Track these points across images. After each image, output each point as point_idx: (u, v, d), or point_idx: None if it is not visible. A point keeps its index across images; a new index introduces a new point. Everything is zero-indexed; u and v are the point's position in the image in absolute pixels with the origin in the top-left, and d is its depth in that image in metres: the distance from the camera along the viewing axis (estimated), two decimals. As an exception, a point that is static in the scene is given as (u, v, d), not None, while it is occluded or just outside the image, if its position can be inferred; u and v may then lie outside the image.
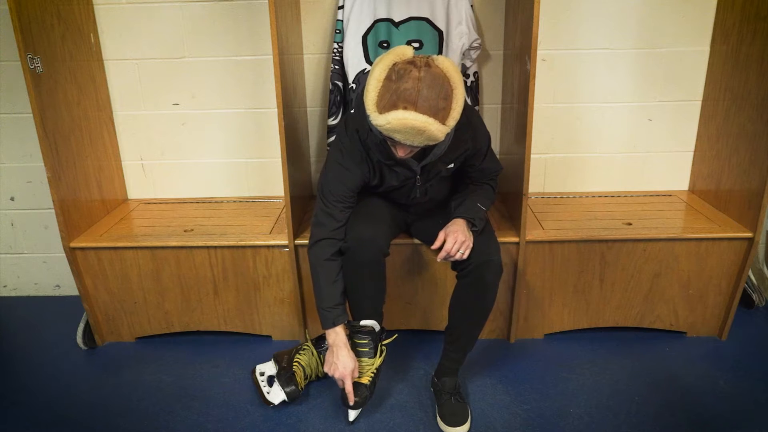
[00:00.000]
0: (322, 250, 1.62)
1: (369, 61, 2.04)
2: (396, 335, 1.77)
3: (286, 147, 1.80)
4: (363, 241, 1.59)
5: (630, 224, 1.98)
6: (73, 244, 1.94)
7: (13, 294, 2.53)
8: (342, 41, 2.05)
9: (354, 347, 1.67)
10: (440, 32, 2.02)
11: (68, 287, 2.48)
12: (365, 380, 1.64)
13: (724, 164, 2.04)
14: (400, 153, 1.46)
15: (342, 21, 2.03)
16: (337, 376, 1.60)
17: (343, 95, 2.09)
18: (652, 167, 2.29)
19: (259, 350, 2.03)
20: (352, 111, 1.66)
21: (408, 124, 1.31)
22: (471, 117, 1.62)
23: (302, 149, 2.15)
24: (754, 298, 2.22)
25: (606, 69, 2.15)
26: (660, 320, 2.05)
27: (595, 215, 2.08)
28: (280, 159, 1.82)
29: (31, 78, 1.73)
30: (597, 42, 2.12)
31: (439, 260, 1.60)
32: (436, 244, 1.59)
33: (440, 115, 1.33)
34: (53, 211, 1.89)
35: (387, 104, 1.33)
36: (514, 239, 1.90)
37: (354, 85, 2.05)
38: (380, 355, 1.68)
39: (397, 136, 1.36)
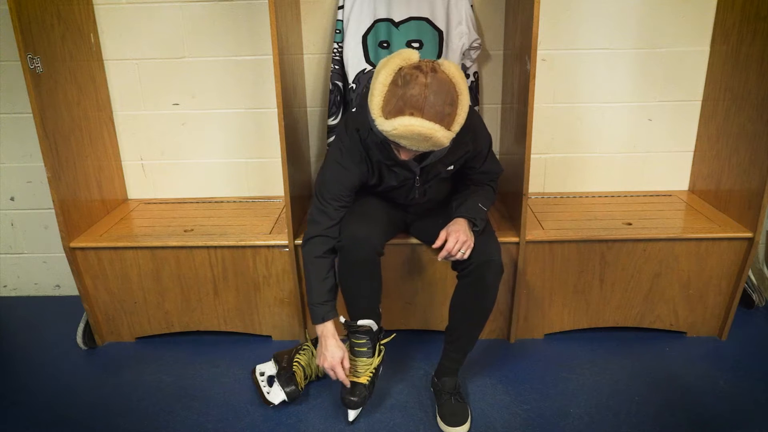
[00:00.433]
0: (314, 247, 1.63)
1: (369, 61, 2.04)
2: (394, 334, 1.78)
3: (286, 147, 1.80)
4: (357, 240, 1.59)
5: (630, 224, 1.98)
6: (73, 244, 1.94)
7: (13, 294, 2.53)
8: (342, 41, 2.05)
9: (352, 347, 1.67)
10: (440, 32, 2.02)
11: (68, 287, 2.48)
12: (364, 380, 1.64)
13: (724, 164, 2.04)
14: (404, 156, 1.47)
15: (342, 21, 2.03)
16: (326, 366, 1.62)
17: (343, 95, 2.09)
18: (652, 167, 2.29)
19: (259, 350, 2.03)
20: (353, 110, 1.66)
21: (415, 131, 1.32)
22: (472, 119, 1.61)
23: (302, 149, 2.15)
24: (754, 298, 2.22)
25: (606, 69, 2.15)
26: (660, 320, 2.05)
27: (595, 215, 2.08)
28: (280, 159, 1.82)
29: (31, 78, 1.73)
30: (597, 42, 2.12)
31: (439, 259, 1.60)
32: (438, 243, 1.59)
33: (446, 121, 1.34)
34: (53, 211, 1.89)
35: (393, 110, 1.33)
36: (514, 239, 1.90)
37: (354, 85, 2.05)
38: (378, 355, 1.68)
39: (403, 142, 1.36)
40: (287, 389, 1.74)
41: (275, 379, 1.79)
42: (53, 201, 1.87)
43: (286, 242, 1.93)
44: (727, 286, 1.98)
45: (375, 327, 1.66)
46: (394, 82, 1.34)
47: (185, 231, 2.03)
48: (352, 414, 1.67)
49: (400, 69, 1.35)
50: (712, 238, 1.90)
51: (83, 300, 2.02)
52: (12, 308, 2.44)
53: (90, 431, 1.69)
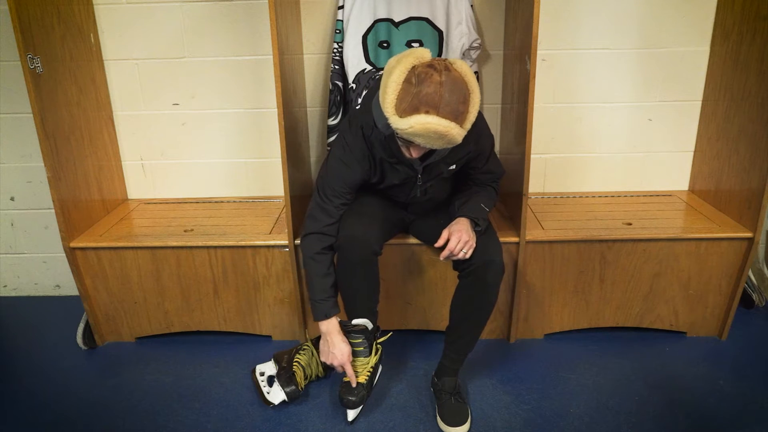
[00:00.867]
0: (313, 243, 1.64)
1: (369, 61, 2.04)
2: (391, 333, 1.78)
3: (286, 147, 1.80)
4: (354, 240, 1.60)
5: (630, 224, 1.98)
6: (73, 244, 1.94)
7: (13, 294, 2.53)
8: (342, 41, 2.05)
9: None
10: (440, 32, 2.02)
11: (68, 287, 2.48)
12: (362, 379, 1.64)
13: (724, 164, 2.04)
14: (414, 154, 1.47)
15: (342, 21, 2.03)
16: (336, 364, 1.62)
17: (343, 95, 2.09)
18: (652, 167, 2.29)
19: (259, 350, 2.03)
20: (357, 108, 1.66)
21: (431, 129, 1.32)
22: (476, 119, 1.62)
23: (302, 149, 2.15)
24: (754, 298, 2.22)
25: (606, 69, 2.15)
26: (660, 320, 2.05)
27: (595, 215, 2.08)
28: (280, 159, 1.82)
29: (31, 78, 1.73)
30: (597, 42, 2.12)
31: (441, 259, 1.60)
32: (440, 243, 1.59)
33: (460, 118, 1.35)
34: (53, 211, 1.89)
35: (408, 108, 1.33)
36: (514, 239, 1.90)
37: (354, 85, 2.05)
38: (375, 354, 1.68)
39: (418, 140, 1.36)
40: (287, 389, 1.74)
41: (275, 379, 1.79)
42: (53, 201, 1.87)
43: (286, 242, 1.93)
44: (727, 286, 1.98)
45: (370, 326, 1.66)
46: (407, 81, 1.34)
47: (185, 231, 2.03)
48: (351, 414, 1.67)
49: (414, 67, 1.35)
50: (712, 238, 1.90)
51: (83, 300, 2.02)
52: (12, 308, 2.44)
53: (90, 431, 1.69)
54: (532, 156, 1.80)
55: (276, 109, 1.76)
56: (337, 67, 2.07)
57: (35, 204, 2.35)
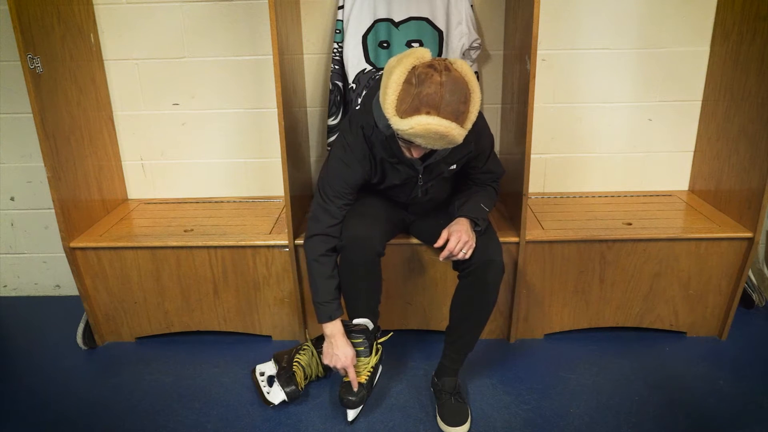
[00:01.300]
0: (316, 245, 1.63)
1: (369, 61, 2.04)
2: (391, 333, 1.78)
3: (286, 147, 1.80)
4: (357, 240, 1.59)
5: (630, 224, 1.98)
6: (73, 244, 1.94)
7: (13, 294, 2.53)
8: (342, 41, 2.05)
9: None
10: (440, 32, 2.02)
11: (68, 287, 2.48)
12: (362, 379, 1.64)
13: (724, 164, 2.04)
14: (415, 154, 1.47)
15: (342, 21, 2.03)
16: (339, 366, 1.62)
17: (343, 95, 2.09)
18: (652, 167, 2.29)
19: (259, 350, 2.03)
20: (357, 108, 1.66)
21: (432, 129, 1.31)
22: (476, 119, 1.62)
23: (302, 149, 2.15)
24: (754, 298, 2.22)
25: (606, 69, 2.15)
26: (660, 320, 2.05)
27: (595, 215, 2.08)
28: (280, 159, 1.82)
29: (31, 78, 1.73)
30: (597, 42, 2.12)
31: (441, 259, 1.60)
32: (439, 243, 1.59)
33: (461, 119, 1.35)
34: (53, 211, 1.89)
35: (409, 109, 1.32)
36: (514, 239, 1.90)
37: (354, 85, 2.05)
38: (376, 354, 1.68)
39: (419, 141, 1.36)
40: (287, 389, 1.74)
41: (275, 379, 1.79)
42: (53, 201, 1.87)
43: (286, 242, 1.93)
44: (727, 286, 1.98)
45: (371, 326, 1.66)
46: (408, 81, 1.33)
47: (185, 231, 2.03)
48: (351, 414, 1.67)
49: (414, 68, 1.35)
50: (712, 238, 1.90)
51: (83, 300, 2.02)
52: (12, 308, 2.44)
53: (90, 431, 1.69)
54: (532, 156, 1.80)
55: (276, 109, 1.76)
56: (337, 67, 2.07)
57: (35, 204, 2.35)
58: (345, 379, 1.66)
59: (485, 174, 1.74)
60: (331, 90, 2.10)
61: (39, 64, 1.76)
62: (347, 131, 1.63)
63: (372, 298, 1.67)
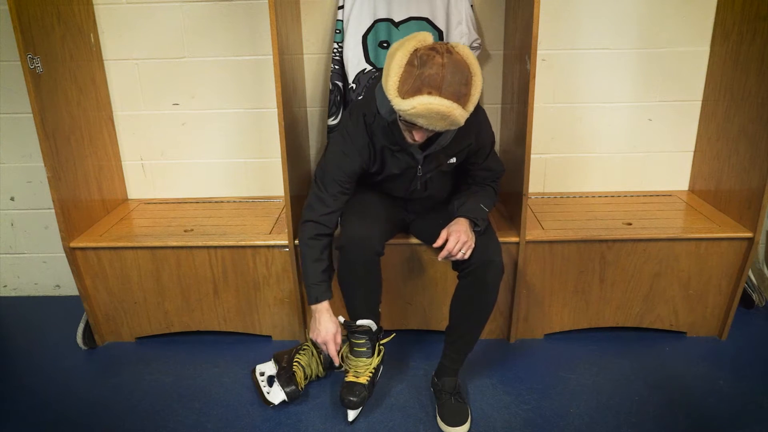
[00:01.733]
0: (307, 230, 1.66)
1: (369, 61, 2.04)
2: (394, 334, 1.78)
3: (286, 147, 1.80)
4: (356, 241, 1.60)
5: (630, 224, 1.98)
6: (73, 244, 1.94)
7: (13, 294, 2.53)
8: (342, 41, 2.05)
9: (351, 348, 1.68)
10: (440, 32, 2.02)
11: (68, 287, 2.48)
12: (363, 380, 1.64)
13: (724, 164, 2.04)
14: (417, 138, 1.48)
15: (342, 21, 2.03)
16: (319, 340, 1.65)
17: (343, 95, 2.09)
18: (652, 167, 2.29)
19: (259, 350, 2.03)
20: (360, 98, 1.66)
21: (433, 109, 1.33)
22: (478, 114, 1.64)
23: (302, 149, 2.15)
24: (754, 298, 2.22)
25: (606, 69, 2.15)
26: (660, 320, 2.05)
27: (595, 215, 2.08)
28: (280, 159, 1.82)
29: (31, 78, 1.73)
30: (597, 42, 2.12)
31: (440, 259, 1.60)
32: (438, 243, 1.59)
33: (462, 100, 1.36)
34: (53, 211, 1.89)
35: (411, 89, 1.34)
36: (514, 239, 1.90)
37: (354, 85, 2.05)
38: (378, 355, 1.68)
39: (421, 121, 1.38)
40: (287, 389, 1.74)
41: (275, 379, 1.79)
42: (53, 201, 1.87)
43: (286, 242, 1.93)
44: (727, 286, 1.98)
45: (374, 327, 1.66)
46: (410, 63, 1.35)
47: (185, 231, 2.03)
48: (351, 414, 1.67)
49: (416, 50, 1.36)
50: (712, 238, 1.90)
51: (83, 300, 2.02)
52: (12, 308, 2.44)
53: (90, 431, 1.69)
54: (532, 156, 1.80)
55: (276, 109, 1.76)
56: (337, 67, 2.07)
57: (35, 204, 2.35)
58: (345, 379, 1.66)
59: (485, 171, 1.75)
60: (331, 90, 2.10)
61: (39, 64, 1.76)
62: (347, 121, 1.65)
63: (372, 298, 1.68)
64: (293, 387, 1.74)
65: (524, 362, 1.95)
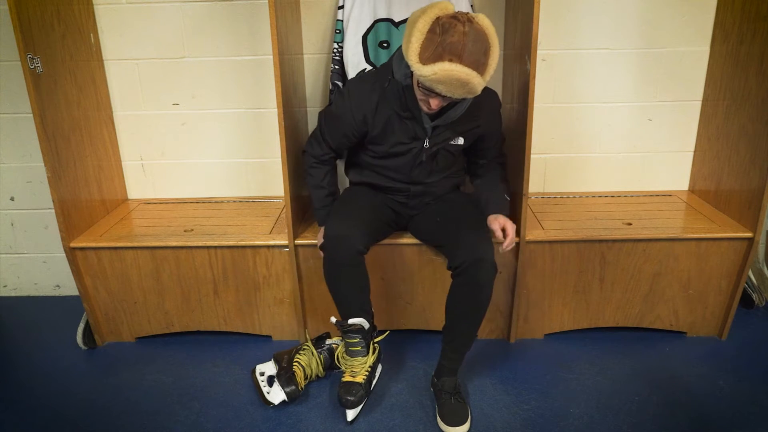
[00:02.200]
0: (307, 160, 1.83)
1: (369, 61, 2.04)
2: (388, 332, 1.78)
3: (286, 147, 1.81)
4: (336, 240, 1.63)
5: (630, 224, 1.98)
6: (73, 244, 1.94)
7: (13, 294, 2.53)
8: (342, 41, 2.05)
9: (346, 347, 1.68)
10: (440, 32, 2.02)
11: (68, 287, 2.48)
12: (360, 379, 1.65)
13: (724, 164, 2.04)
14: (433, 105, 1.51)
15: (342, 21, 2.03)
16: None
17: (343, 95, 2.09)
18: (652, 167, 2.29)
19: (259, 350, 2.03)
20: (369, 69, 1.82)
21: (454, 76, 1.37)
22: (494, 100, 1.74)
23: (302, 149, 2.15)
24: (754, 298, 2.22)
25: (606, 69, 2.15)
26: (660, 320, 2.05)
27: (595, 215, 2.08)
28: (280, 159, 1.82)
29: (31, 78, 1.73)
30: (597, 42, 2.12)
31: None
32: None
33: (481, 68, 1.40)
34: (53, 211, 1.89)
35: (432, 56, 1.37)
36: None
37: (354, 85, 2.06)
38: (373, 353, 1.68)
39: (440, 88, 1.41)
40: (287, 389, 1.74)
41: (275, 379, 1.79)
42: (53, 201, 1.87)
43: (286, 242, 1.93)
44: (727, 286, 1.98)
45: (366, 325, 1.66)
46: (432, 30, 1.38)
47: (185, 231, 2.03)
48: (350, 414, 1.67)
49: (438, 18, 1.39)
50: (712, 238, 1.90)
51: (83, 300, 2.02)
52: (12, 308, 2.44)
53: (90, 431, 1.69)
54: (532, 156, 1.80)
55: (276, 109, 1.76)
56: (337, 67, 2.07)
57: (35, 204, 2.35)
58: (343, 379, 1.66)
59: (496, 149, 1.85)
60: (331, 90, 2.10)
61: (39, 64, 1.76)
62: (353, 81, 1.74)
63: (361, 296, 1.69)
64: (293, 387, 1.74)
65: (524, 362, 1.95)
